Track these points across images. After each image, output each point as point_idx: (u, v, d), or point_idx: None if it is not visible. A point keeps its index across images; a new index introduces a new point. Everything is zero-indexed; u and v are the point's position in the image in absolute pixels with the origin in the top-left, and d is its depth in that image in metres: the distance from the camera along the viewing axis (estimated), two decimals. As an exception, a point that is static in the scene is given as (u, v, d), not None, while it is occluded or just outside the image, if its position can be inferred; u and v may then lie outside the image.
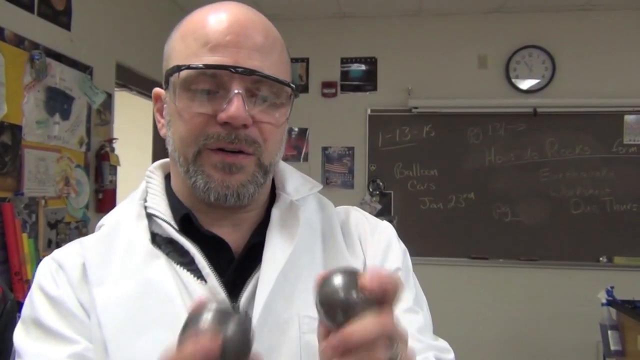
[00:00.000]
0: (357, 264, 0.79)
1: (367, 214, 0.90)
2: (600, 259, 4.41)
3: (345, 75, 4.71)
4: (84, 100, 3.09)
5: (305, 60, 4.74)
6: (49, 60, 2.76)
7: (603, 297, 3.09)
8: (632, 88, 4.42)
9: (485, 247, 4.54)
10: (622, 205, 4.44)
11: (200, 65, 0.69)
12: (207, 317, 0.52)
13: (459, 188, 4.58)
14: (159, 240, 0.76)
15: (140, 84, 3.95)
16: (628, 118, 4.46)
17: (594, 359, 4.33)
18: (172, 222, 0.76)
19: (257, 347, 0.57)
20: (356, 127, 4.67)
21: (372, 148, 4.67)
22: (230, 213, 0.77)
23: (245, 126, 0.70)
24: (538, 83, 4.54)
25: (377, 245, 0.83)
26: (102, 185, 3.26)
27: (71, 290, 0.73)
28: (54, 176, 2.85)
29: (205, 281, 0.72)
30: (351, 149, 4.68)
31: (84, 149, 3.13)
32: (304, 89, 4.68)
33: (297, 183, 0.83)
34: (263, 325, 0.69)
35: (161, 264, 0.73)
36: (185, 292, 0.71)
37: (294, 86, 0.74)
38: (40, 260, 2.51)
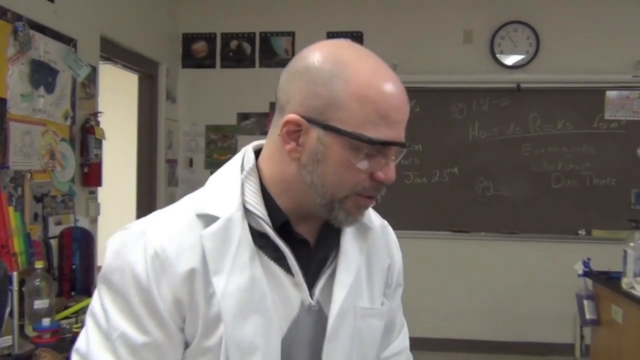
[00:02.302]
0: (388, 261, 1.03)
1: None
2: (579, 232, 4.52)
3: (331, 49, 4.70)
4: (69, 73, 3.08)
5: (291, 35, 4.73)
6: (32, 32, 2.74)
7: (580, 268, 3.18)
8: (614, 64, 4.48)
9: (467, 221, 4.62)
10: (601, 180, 4.53)
11: (387, 140, 0.82)
12: None
13: (442, 163, 4.64)
14: (253, 232, 0.87)
15: (125, 57, 3.93)
16: (609, 94, 4.52)
17: (572, 328, 4.47)
18: (271, 225, 0.87)
19: (329, 335, 0.88)
20: (342, 101, 4.67)
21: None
22: (308, 219, 0.91)
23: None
24: (522, 59, 4.58)
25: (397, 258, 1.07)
26: (87, 159, 3.26)
27: (167, 284, 0.82)
28: (39, 150, 2.85)
29: (293, 275, 0.88)
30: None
31: (69, 122, 3.12)
32: (290, 63, 4.67)
33: None
34: (337, 316, 0.89)
35: (259, 263, 0.86)
36: (275, 283, 0.87)
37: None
38: (29, 233, 2.51)
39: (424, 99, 4.62)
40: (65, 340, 2.21)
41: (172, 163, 4.70)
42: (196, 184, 1.22)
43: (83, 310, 2.47)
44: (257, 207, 0.87)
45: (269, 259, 0.88)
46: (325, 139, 0.82)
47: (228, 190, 0.89)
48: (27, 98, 2.75)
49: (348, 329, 0.91)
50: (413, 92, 4.54)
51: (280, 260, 0.88)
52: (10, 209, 2.60)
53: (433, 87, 4.60)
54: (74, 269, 2.71)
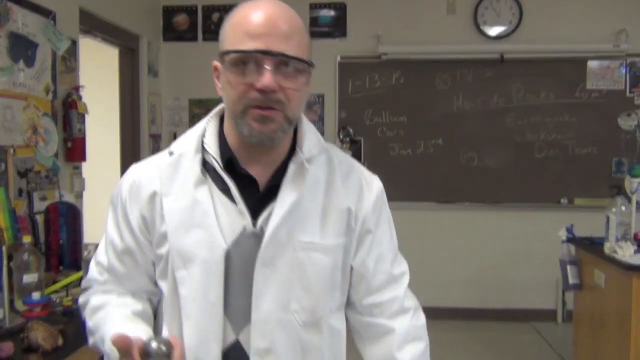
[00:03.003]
0: (349, 205, 1.08)
1: (363, 169, 1.16)
2: (561, 200, 4.59)
3: (314, 21, 4.67)
4: (48, 46, 3.01)
5: (274, 6, 4.67)
6: (9, 4, 2.67)
7: (563, 234, 3.24)
8: (595, 34, 4.51)
9: (452, 191, 4.67)
10: (583, 149, 4.60)
11: (244, 49, 0.97)
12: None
13: (427, 134, 4.66)
14: (208, 167, 1.05)
15: (105, 30, 3.86)
16: (591, 64, 4.56)
17: (554, 294, 4.58)
18: (219, 160, 1.05)
19: (263, 258, 1.01)
20: (326, 74, 4.66)
21: (342, 95, 4.68)
22: (260, 154, 1.05)
23: (273, 91, 0.96)
24: (505, 29, 4.59)
25: (368, 200, 1.12)
26: (70, 134, 3.22)
27: (137, 204, 1.07)
28: (21, 124, 2.81)
29: (236, 204, 1.03)
30: (321, 96, 4.69)
31: (50, 96, 3.07)
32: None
33: (311, 144, 1.08)
34: (269, 243, 1.02)
35: (206, 189, 1.04)
36: (221, 208, 1.03)
37: (309, 61, 1.02)
38: (14, 209, 2.49)
39: (408, 70, 4.62)
40: (56, 314, 2.20)
41: (156, 138, 4.66)
42: None
43: (73, 284, 2.46)
44: (210, 145, 1.06)
45: (218, 189, 1.04)
46: (222, 69, 1.03)
47: (192, 133, 1.10)
48: (6, 72, 2.69)
49: (287, 259, 1.02)
50: (397, 64, 4.58)
51: (227, 191, 1.04)
52: (-6, 185, 2.57)
53: (417, 58, 4.59)
54: (62, 244, 2.69)
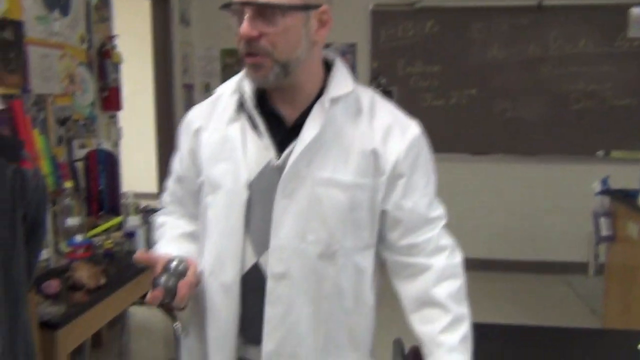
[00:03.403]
0: (375, 147, 1.10)
1: (399, 113, 1.18)
2: (597, 152, 4.51)
3: (346, -32, 4.56)
4: (82, -5, 3.04)
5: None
6: (44, -48, 2.69)
7: (597, 186, 3.20)
8: (640, -21, 4.30)
9: (485, 143, 4.62)
10: (621, 100, 4.47)
11: (226, 1, 1.02)
12: (161, 277, 1.03)
13: (461, 84, 4.58)
14: (246, 107, 1.12)
15: (137, -21, 3.85)
16: (633, 11, 4.37)
17: (586, 247, 4.55)
18: (252, 99, 1.11)
19: (282, 189, 1.07)
20: (358, 23, 4.59)
21: (374, 44, 4.62)
22: (287, 96, 1.11)
23: (255, 39, 1.01)
24: (544, -26, 4.41)
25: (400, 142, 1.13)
26: (106, 84, 3.27)
27: (187, 138, 1.21)
28: (58, 74, 2.86)
29: (262, 138, 1.10)
30: (353, 45, 4.63)
31: (85, 46, 3.11)
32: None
33: (338, 85, 1.11)
34: (289, 176, 1.07)
35: (236, 126, 1.12)
36: (250, 143, 1.11)
37: (285, 5, 1.00)
38: (54, 156, 2.58)
39: (442, 19, 4.51)
40: (97, 255, 2.31)
41: (188, 88, 4.69)
42: None
43: (113, 228, 2.56)
44: (246, 86, 1.13)
45: (250, 126, 1.12)
46: None
47: (235, 76, 1.17)
48: (42, 21, 2.74)
49: (305, 192, 1.08)
50: (431, 12, 4.47)
51: (257, 128, 1.11)
52: (35, 132, 2.65)
53: (451, 5, 4.48)
54: (101, 190, 2.79)
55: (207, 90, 4.82)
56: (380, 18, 4.57)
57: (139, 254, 1.07)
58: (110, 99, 3.31)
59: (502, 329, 1.68)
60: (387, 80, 4.60)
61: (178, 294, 1.02)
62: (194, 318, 1.20)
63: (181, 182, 1.25)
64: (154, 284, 1.02)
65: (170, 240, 1.22)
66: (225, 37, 4.68)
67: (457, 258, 1.18)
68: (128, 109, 3.63)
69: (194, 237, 1.22)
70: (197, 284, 1.09)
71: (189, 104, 4.72)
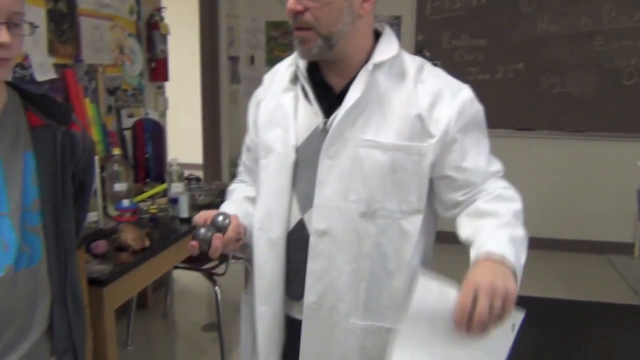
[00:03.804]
0: (419, 111, 1.13)
1: (450, 79, 1.20)
2: (648, 130, 4.35)
3: (393, -61, 4.50)
4: (132, -33, 3.12)
5: None
6: None
7: (645, 164, 3.11)
8: None
9: (531, 119, 4.53)
10: (678, 77, 4.29)
11: None
12: (202, 229, 1.11)
13: (507, 58, 4.48)
14: (299, 78, 1.20)
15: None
16: (697, -18, 4.16)
17: (632, 227, 4.44)
18: (303, 70, 1.19)
19: (327, 150, 1.14)
20: (404, -5, 4.54)
21: (419, 17, 4.56)
22: (335, 66, 1.17)
23: (300, 13, 1.08)
24: (601, -57, 4.24)
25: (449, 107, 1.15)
26: (154, 55, 3.37)
27: (253, 110, 1.31)
28: (108, 44, 2.97)
29: (312, 105, 1.18)
30: (398, 17, 4.59)
31: (134, 17, 3.21)
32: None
33: (382, 51, 1.15)
34: (332, 138, 1.13)
35: (289, 96, 1.21)
36: (302, 110, 1.19)
37: None
38: (104, 124, 2.70)
39: (490, -10, 4.41)
40: (143, 219, 2.42)
41: (233, 60, 4.76)
42: (258, 81, 1.38)
43: (158, 195, 2.67)
44: (300, 61, 1.20)
45: (302, 95, 1.20)
46: None
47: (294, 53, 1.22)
48: (94, -7, 2.83)
49: (348, 153, 1.13)
50: (479, -18, 4.36)
51: (308, 96, 1.19)
52: (86, 101, 2.77)
53: (501, -23, 4.36)
54: (147, 158, 2.90)
55: (252, 63, 4.88)
56: (426, -10, 4.50)
57: (198, 215, 1.15)
58: (157, 70, 3.41)
59: (547, 303, 1.68)
60: (432, 53, 4.55)
61: (212, 245, 1.09)
62: (249, 273, 1.28)
63: (249, 152, 1.34)
64: (194, 236, 1.10)
65: (233, 201, 1.33)
66: (270, 10, 4.70)
67: (519, 203, 1.18)
68: (174, 80, 3.73)
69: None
70: (238, 240, 1.16)
71: (234, 75, 4.79)
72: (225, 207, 1.26)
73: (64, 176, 1.13)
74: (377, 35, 1.19)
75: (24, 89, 1.12)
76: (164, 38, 3.44)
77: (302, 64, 1.20)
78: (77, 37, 2.72)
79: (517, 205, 1.17)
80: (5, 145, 1.05)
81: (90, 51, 2.81)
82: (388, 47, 1.16)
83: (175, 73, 3.80)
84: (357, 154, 1.13)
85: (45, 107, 1.12)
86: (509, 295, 0.94)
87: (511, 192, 1.19)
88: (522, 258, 1.08)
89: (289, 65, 1.24)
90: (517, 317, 0.98)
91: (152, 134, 2.94)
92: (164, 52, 3.45)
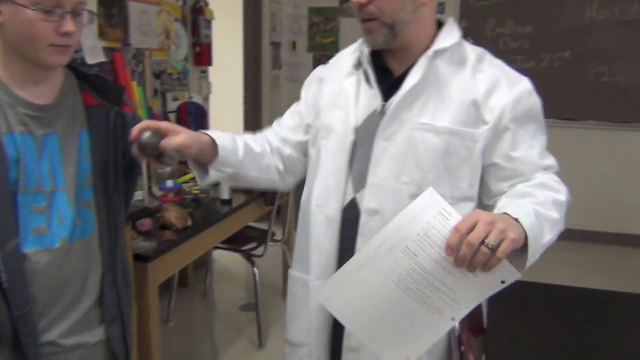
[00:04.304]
0: (475, 98, 1.15)
1: (510, 70, 1.22)
2: (701, 123, 4.20)
3: None
4: (179, -47, 3.17)
5: None
6: None
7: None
8: None
9: (577, 108, 4.42)
10: None
11: None
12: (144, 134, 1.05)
13: (554, 46, 4.38)
14: (362, 64, 1.25)
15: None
16: None
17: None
18: (367, 56, 1.24)
19: (383, 132, 1.17)
20: (448, -20, 4.48)
21: (463, 3, 4.49)
22: (396, 53, 1.21)
23: (365, 5, 1.12)
24: None
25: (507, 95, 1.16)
26: (198, 40, 3.43)
27: (313, 84, 1.36)
28: (155, 29, 3.05)
29: (372, 88, 1.22)
30: (442, 4, 4.53)
31: (180, 3, 3.27)
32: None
33: (443, 39, 1.18)
34: (389, 120, 1.17)
35: (352, 80, 1.26)
36: (363, 94, 1.24)
37: None
38: (150, 107, 2.77)
39: (538, -24, 4.31)
40: (186, 200, 2.50)
41: (276, 46, 4.80)
42: (299, 67, 1.41)
43: (200, 176, 2.74)
44: (363, 47, 1.24)
45: (364, 80, 1.25)
46: None
47: (359, 40, 1.28)
48: (143, -22, 2.90)
49: (404, 136, 1.17)
50: (525, -32, 4.27)
51: (369, 80, 1.23)
52: (134, 84, 2.85)
53: (549, -38, 4.25)
54: (191, 141, 2.96)
55: (294, 49, 4.90)
56: (471, -24, 4.43)
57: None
58: (202, 55, 3.47)
59: (587, 293, 1.67)
60: (475, 41, 4.47)
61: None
62: (301, 250, 1.32)
63: (296, 115, 1.37)
64: (138, 142, 1.05)
65: (230, 135, 1.28)
66: (314, -5, 4.72)
67: (564, 196, 1.17)
68: (217, 65, 3.79)
69: (248, 147, 1.28)
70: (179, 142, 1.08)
71: (276, 61, 4.83)
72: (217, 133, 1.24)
73: (115, 154, 1.19)
74: (440, 25, 1.22)
75: (80, 70, 1.18)
76: (208, 23, 3.50)
77: (366, 50, 1.24)
78: (125, 22, 2.80)
79: (560, 196, 1.16)
80: (63, 123, 1.11)
81: (138, 35, 2.89)
82: (450, 36, 1.19)
83: (218, 58, 3.86)
84: (412, 136, 1.16)
85: (100, 88, 1.18)
86: (506, 238, 0.92)
87: (558, 185, 1.18)
88: (545, 238, 1.06)
89: (353, 52, 1.29)
90: (509, 274, 0.96)
91: (196, 118, 3.01)
92: (209, 37, 3.52)
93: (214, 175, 1.21)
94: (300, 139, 1.36)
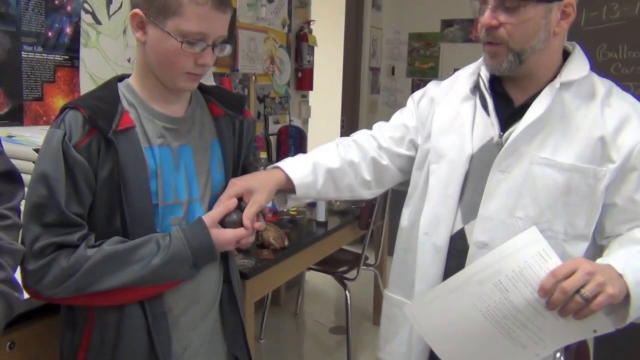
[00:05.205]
0: (603, 134, 1.09)
1: (637, 102, 1.14)
2: None
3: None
4: (286, -17, 3.31)
5: None
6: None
7: None
8: None
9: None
10: None
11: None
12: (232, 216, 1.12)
13: (672, 73, 4.10)
14: (480, 88, 1.22)
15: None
16: None
17: None
18: (486, 81, 1.21)
19: (499, 163, 1.13)
20: (556, 5, 4.33)
21: (572, 27, 4.31)
22: (518, 80, 1.16)
23: (493, 28, 1.08)
24: None
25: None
26: (301, 65, 3.54)
27: (422, 102, 1.34)
28: (261, 55, 3.18)
29: (489, 116, 1.18)
30: (548, 29, 4.39)
31: (286, 30, 3.40)
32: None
33: (572, 70, 1.13)
34: (507, 151, 1.12)
35: (469, 104, 1.23)
36: (479, 120, 1.20)
37: None
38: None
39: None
40: (283, 220, 2.56)
41: (375, 71, 4.85)
42: (397, 92, 1.42)
43: (298, 197, 2.80)
44: (483, 71, 1.22)
45: (481, 105, 1.21)
46: None
47: (477, 61, 1.27)
48: (252, 7, 3.05)
49: (521, 169, 1.11)
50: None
51: (486, 107, 1.19)
52: (239, 107, 2.98)
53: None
54: (290, 162, 3.05)
55: (392, 74, 4.93)
56: None
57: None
58: (303, 80, 3.58)
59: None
60: (584, 66, 4.28)
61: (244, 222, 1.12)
62: (401, 274, 1.31)
63: (400, 127, 1.34)
64: (225, 224, 1.11)
65: (310, 161, 1.31)
66: (414, 21, 4.73)
67: None
68: (317, 88, 3.89)
69: (328, 172, 1.30)
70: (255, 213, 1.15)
71: (374, 86, 4.88)
72: (296, 161, 1.30)
73: (239, 161, 1.24)
74: (565, 52, 1.17)
75: (201, 84, 1.21)
76: (311, 49, 3.60)
77: (485, 74, 1.21)
78: (235, 48, 2.95)
79: None
80: (195, 135, 1.15)
81: (245, 61, 3.03)
82: (579, 67, 1.14)
83: (318, 82, 3.96)
84: (531, 170, 1.11)
85: (223, 98, 1.23)
86: (604, 292, 0.90)
87: None
88: None
89: (471, 75, 1.25)
90: (603, 325, 0.94)
91: (295, 140, 3.10)
92: (311, 62, 3.62)
93: (292, 204, 1.28)
94: (401, 152, 1.33)
